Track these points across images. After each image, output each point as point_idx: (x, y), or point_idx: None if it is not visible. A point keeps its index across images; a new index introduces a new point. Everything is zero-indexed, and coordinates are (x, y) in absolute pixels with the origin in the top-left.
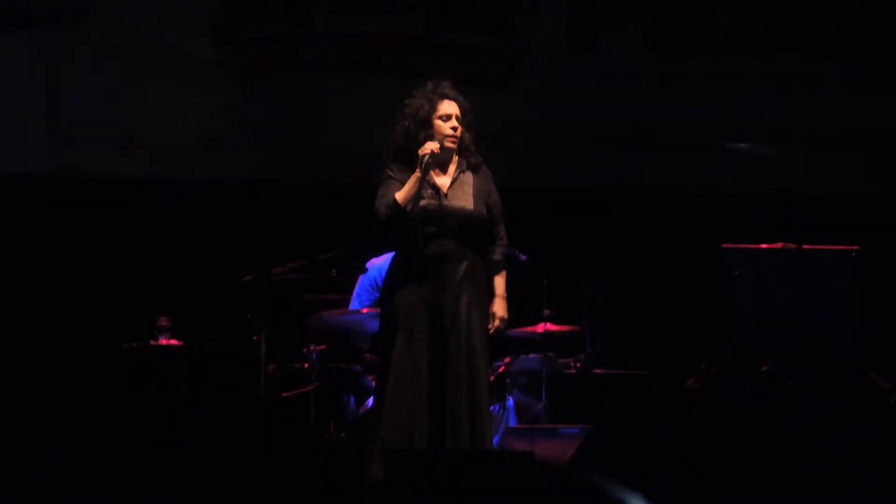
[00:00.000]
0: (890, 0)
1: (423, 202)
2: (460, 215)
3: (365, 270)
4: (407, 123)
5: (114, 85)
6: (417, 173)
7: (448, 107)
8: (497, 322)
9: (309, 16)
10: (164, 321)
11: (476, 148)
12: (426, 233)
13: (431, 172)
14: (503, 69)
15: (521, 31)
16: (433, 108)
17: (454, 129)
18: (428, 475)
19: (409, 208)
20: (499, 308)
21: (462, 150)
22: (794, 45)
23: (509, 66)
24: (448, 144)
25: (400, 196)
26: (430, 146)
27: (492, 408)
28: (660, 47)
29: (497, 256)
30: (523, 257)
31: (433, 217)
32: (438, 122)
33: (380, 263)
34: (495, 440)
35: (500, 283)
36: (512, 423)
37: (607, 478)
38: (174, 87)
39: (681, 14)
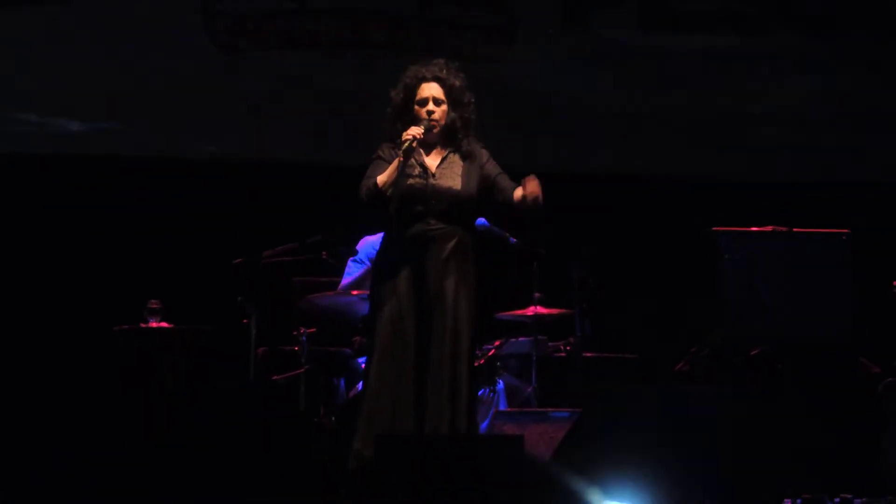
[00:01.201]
0: None
1: (410, 181)
2: (447, 195)
3: (355, 253)
4: (389, 110)
5: (102, 64)
6: (400, 158)
7: (425, 90)
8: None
9: None
10: (154, 304)
11: (470, 126)
12: (413, 212)
13: (420, 152)
14: (496, 46)
15: (516, 8)
16: (411, 93)
17: (430, 112)
18: (417, 460)
19: (388, 192)
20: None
21: (450, 130)
22: (787, 26)
23: (504, 42)
24: (432, 129)
25: (381, 179)
26: (413, 131)
27: (481, 391)
28: (653, 27)
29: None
30: (514, 240)
31: (420, 196)
32: (417, 108)
33: (373, 240)
34: (484, 424)
35: None
36: (502, 406)
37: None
38: (164, 65)
39: None
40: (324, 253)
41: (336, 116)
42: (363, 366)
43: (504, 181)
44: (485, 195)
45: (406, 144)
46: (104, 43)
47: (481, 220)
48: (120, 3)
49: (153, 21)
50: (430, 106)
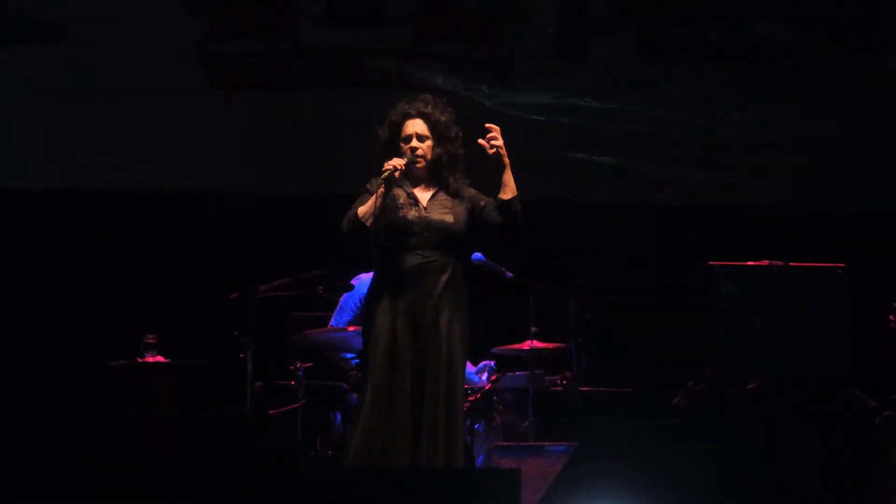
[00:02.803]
0: (874, 13)
1: (402, 212)
2: (439, 227)
3: (351, 288)
4: (377, 147)
5: (98, 100)
6: (381, 189)
7: (409, 127)
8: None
9: (295, 31)
10: (150, 339)
11: (458, 161)
12: (407, 244)
13: (410, 186)
14: (493, 79)
15: (511, 40)
16: (396, 130)
17: (413, 149)
18: (411, 492)
19: (368, 223)
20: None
21: (437, 166)
22: (782, 56)
23: (499, 76)
24: (416, 164)
25: (361, 210)
26: (395, 162)
27: (478, 425)
28: (650, 56)
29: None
30: (509, 274)
31: (413, 229)
32: (402, 144)
33: (368, 278)
34: (481, 458)
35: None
36: (498, 440)
37: None
38: (160, 103)
39: (670, 23)
40: (320, 287)
41: (332, 151)
42: None
43: (490, 202)
44: (475, 227)
45: (386, 174)
46: (101, 79)
47: (478, 255)
48: (116, 42)
49: (149, 59)
50: (414, 142)
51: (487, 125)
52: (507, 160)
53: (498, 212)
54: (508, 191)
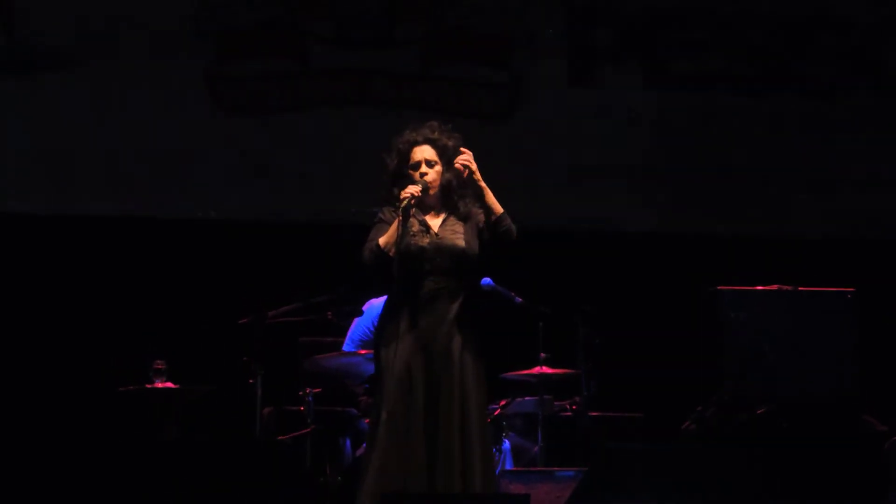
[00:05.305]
0: (880, 44)
1: (414, 240)
2: (452, 252)
3: (361, 313)
4: (384, 176)
5: (107, 126)
6: (399, 217)
7: (417, 153)
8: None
9: (304, 52)
10: (159, 364)
11: (467, 185)
12: (419, 270)
13: (421, 213)
14: (501, 103)
15: (520, 65)
16: (404, 158)
17: (423, 175)
18: None
19: (391, 252)
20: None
21: (447, 191)
22: (789, 86)
23: (508, 100)
24: (430, 190)
25: (382, 241)
26: (411, 189)
27: None
28: (658, 85)
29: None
30: (519, 300)
31: (425, 255)
32: (410, 171)
33: (378, 304)
34: None
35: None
36: (508, 465)
37: None
38: (168, 129)
39: (678, 53)
40: (329, 313)
41: (341, 175)
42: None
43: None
44: (483, 250)
45: (405, 202)
46: (110, 106)
47: (487, 280)
48: (124, 67)
49: (157, 85)
50: (423, 168)
51: (461, 149)
52: (482, 184)
53: (490, 232)
54: (493, 212)
